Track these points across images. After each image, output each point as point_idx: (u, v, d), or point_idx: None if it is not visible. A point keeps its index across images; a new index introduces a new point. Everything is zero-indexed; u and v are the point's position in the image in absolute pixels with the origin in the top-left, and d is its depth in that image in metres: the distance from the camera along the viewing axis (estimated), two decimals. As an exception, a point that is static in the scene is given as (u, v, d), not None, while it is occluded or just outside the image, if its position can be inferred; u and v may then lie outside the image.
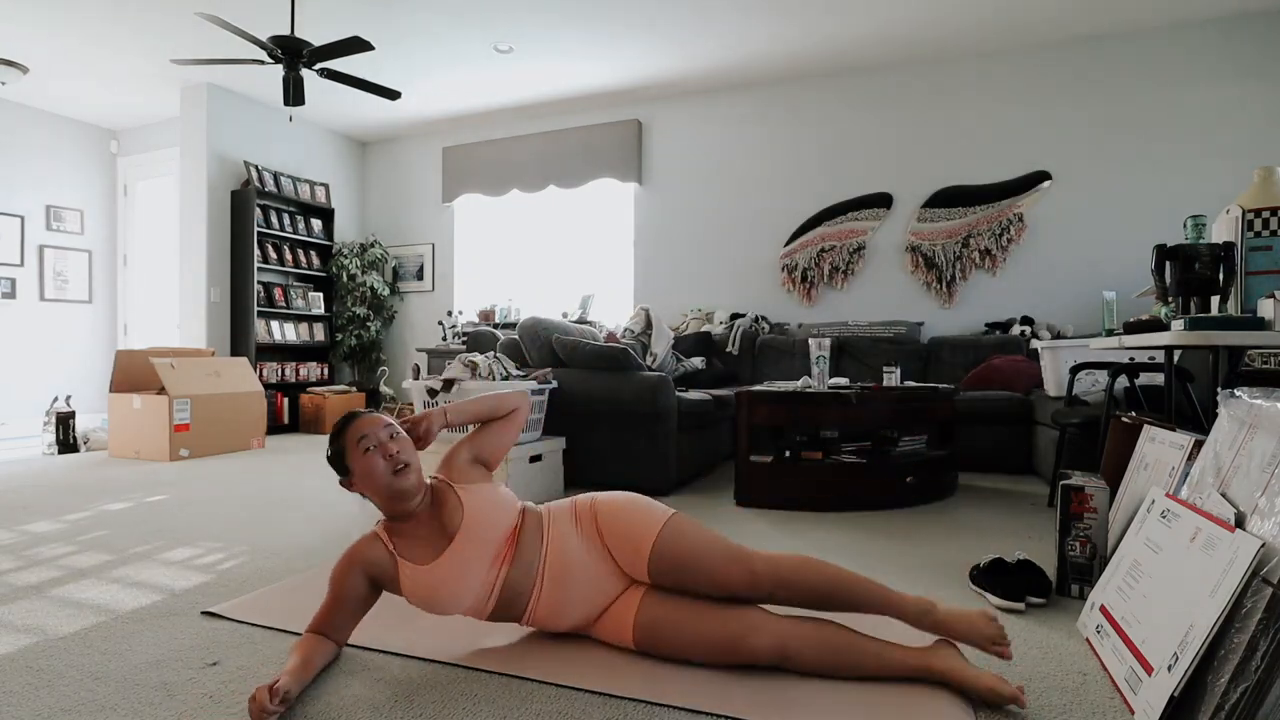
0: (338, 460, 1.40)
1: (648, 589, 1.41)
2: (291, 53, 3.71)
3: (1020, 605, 1.69)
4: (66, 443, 4.51)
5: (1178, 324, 1.78)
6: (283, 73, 3.88)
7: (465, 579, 1.35)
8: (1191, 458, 1.54)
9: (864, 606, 1.31)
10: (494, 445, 1.55)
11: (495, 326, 5.83)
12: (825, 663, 1.27)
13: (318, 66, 3.98)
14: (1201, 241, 1.96)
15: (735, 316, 5.26)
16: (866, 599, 1.31)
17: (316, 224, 6.24)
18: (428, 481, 1.46)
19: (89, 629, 1.56)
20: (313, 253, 6.23)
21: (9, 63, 4.92)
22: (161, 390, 4.28)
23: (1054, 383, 3.36)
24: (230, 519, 2.66)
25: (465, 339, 4.96)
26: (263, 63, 3.83)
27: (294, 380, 5.92)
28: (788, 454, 2.93)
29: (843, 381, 3.16)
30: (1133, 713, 1.18)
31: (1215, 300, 1.93)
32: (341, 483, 1.40)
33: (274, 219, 5.79)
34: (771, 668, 1.32)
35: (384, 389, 6.26)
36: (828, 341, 3.04)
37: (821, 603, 1.31)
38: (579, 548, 1.42)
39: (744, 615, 1.32)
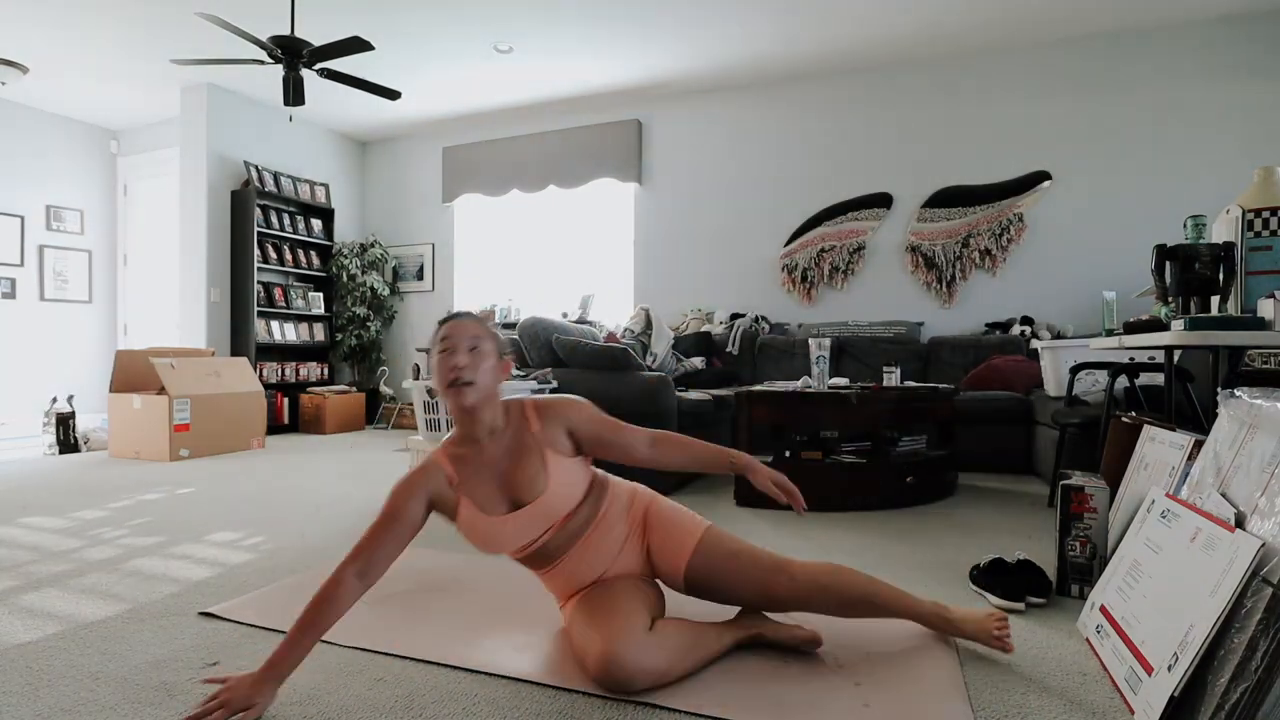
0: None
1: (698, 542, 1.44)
2: (291, 53, 3.71)
3: (1020, 605, 1.69)
4: (67, 443, 4.51)
5: (1178, 324, 1.78)
6: (283, 73, 3.89)
7: (520, 538, 1.37)
8: (1191, 458, 1.54)
9: (886, 611, 1.40)
10: (612, 447, 1.45)
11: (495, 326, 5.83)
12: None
13: (317, 66, 3.98)
14: (1201, 241, 1.96)
15: (735, 316, 5.26)
16: (889, 605, 1.40)
17: (316, 224, 6.24)
18: (505, 414, 1.42)
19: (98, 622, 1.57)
20: (313, 253, 6.23)
21: (9, 63, 4.92)
22: (161, 390, 4.28)
23: (1054, 383, 3.36)
24: (230, 519, 2.66)
25: (465, 339, 4.95)
26: (262, 63, 3.83)
27: (294, 380, 5.92)
28: (788, 454, 2.93)
29: (842, 381, 3.16)
30: (1133, 713, 1.18)
31: (1215, 300, 1.93)
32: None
33: (274, 219, 5.79)
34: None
35: (384, 389, 6.26)
36: (828, 341, 3.04)
37: (850, 609, 1.39)
38: (620, 537, 1.45)
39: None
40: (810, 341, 3.07)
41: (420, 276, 6.61)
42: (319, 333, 6.24)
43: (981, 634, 1.40)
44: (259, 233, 5.63)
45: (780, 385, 3.23)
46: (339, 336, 6.31)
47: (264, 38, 4.49)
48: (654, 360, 4.01)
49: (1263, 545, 1.06)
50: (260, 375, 5.57)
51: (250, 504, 2.93)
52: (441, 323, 1.38)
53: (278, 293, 5.82)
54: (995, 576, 1.76)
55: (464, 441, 1.39)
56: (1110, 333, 2.42)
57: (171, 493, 3.17)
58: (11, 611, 1.68)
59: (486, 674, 1.34)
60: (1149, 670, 1.17)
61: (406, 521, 1.31)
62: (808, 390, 2.94)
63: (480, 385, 1.33)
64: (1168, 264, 1.97)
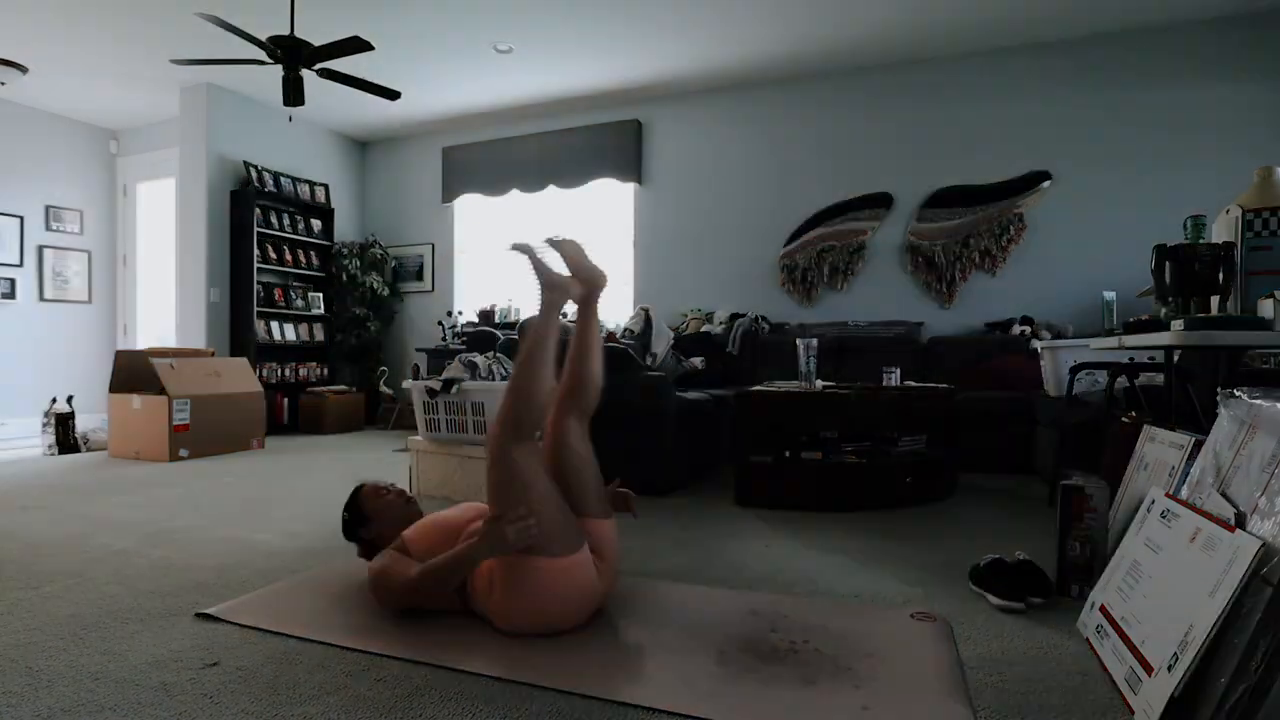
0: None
1: None
2: (291, 53, 3.71)
3: (1020, 605, 1.68)
4: (66, 443, 4.51)
5: (1178, 324, 1.78)
6: (282, 73, 3.89)
7: None
8: (1191, 458, 1.54)
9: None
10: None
11: (495, 326, 5.83)
12: None
13: (317, 66, 3.97)
14: (1201, 241, 1.96)
15: (735, 316, 5.25)
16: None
17: (316, 224, 6.23)
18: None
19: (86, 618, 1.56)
20: (312, 253, 6.23)
21: (9, 63, 4.91)
22: (161, 390, 4.27)
23: (1054, 383, 3.35)
24: (229, 519, 2.65)
25: (465, 339, 4.96)
26: (262, 63, 3.83)
27: (294, 380, 5.92)
28: (788, 454, 2.93)
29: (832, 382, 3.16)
30: (1133, 713, 1.18)
31: (1215, 300, 1.93)
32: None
33: (274, 219, 5.79)
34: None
35: (384, 389, 6.26)
36: (815, 342, 3.05)
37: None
38: None
39: None
40: (798, 343, 3.07)
41: (420, 277, 6.60)
42: (319, 333, 6.24)
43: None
44: (259, 233, 5.62)
45: (780, 385, 3.23)
46: (339, 336, 6.31)
47: (264, 38, 4.47)
48: (654, 360, 4.00)
49: (1263, 545, 1.06)
50: (260, 375, 5.56)
51: (249, 504, 2.93)
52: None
53: (278, 293, 5.82)
54: (995, 576, 1.76)
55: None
56: (1110, 333, 2.42)
57: (170, 493, 3.17)
58: (10, 608, 1.68)
59: (486, 675, 1.34)
60: (1149, 670, 1.17)
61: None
62: (807, 390, 2.94)
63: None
64: (1168, 264, 1.97)
